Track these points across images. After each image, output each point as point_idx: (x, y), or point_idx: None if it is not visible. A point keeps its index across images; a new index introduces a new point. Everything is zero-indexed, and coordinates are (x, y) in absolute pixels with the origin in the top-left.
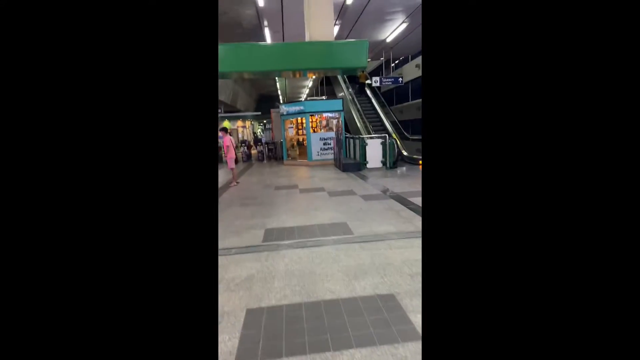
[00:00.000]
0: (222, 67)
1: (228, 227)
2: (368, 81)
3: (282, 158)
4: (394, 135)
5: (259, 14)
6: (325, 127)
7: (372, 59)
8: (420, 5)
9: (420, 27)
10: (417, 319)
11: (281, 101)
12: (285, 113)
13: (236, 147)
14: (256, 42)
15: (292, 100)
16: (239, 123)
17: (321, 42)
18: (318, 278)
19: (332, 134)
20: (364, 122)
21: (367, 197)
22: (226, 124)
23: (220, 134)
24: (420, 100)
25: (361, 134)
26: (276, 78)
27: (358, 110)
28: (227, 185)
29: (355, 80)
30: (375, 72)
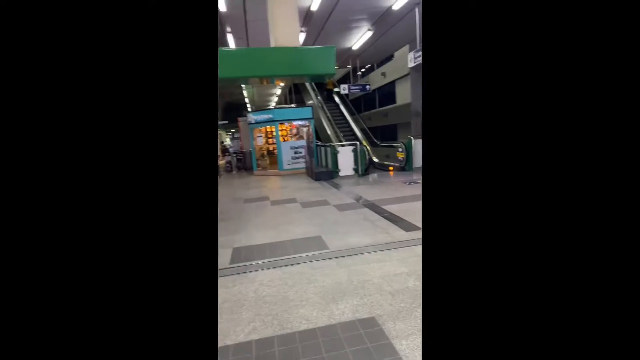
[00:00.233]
0: None
1: None
2: (336, 89)
3: (252, 168)
4: (364, 142)
5: (220, 19)
6: (295, 135)
7: (339, 67)
8: (383, 15)
9: (384, 37)
10: (402, 346)
11: (249, 109)
12: (253, 121)
13: None
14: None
15: (260, 108)
16: None
17: (288, 47)
18: (292, 304)
19: (303, 142)
20: (334, 130)
21: (341, 207)
22: None
23: None
24: (386, 107)
25: (332, 142)
26: (243, 86)
27: (328, 118)
28: None
29: (322, 87)
30: (343, 80)
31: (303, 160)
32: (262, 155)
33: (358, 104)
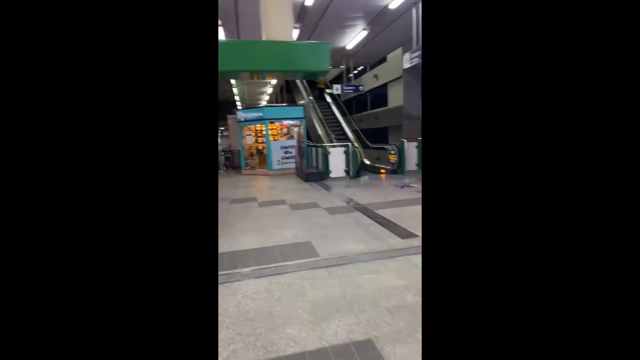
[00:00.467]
0: None
1: None
2: (329, 90)
3: (240, 167)
4: (356, 144)
5: None
6: (286, 135)
7: (332, 66)
8: (379, 14)
9: (378, 37)
10: None
11: (239, 107)
12: (243, 119)
13: None
14: None
15: (251, 106)
16: None
17: (281, 41)
18: (278, 321)
19: (294, 142)
20: (325, 130)
21: (332, 210)
22: None
23: None
24: (377, 110)
25: (323, 142)
26: (233, 82)
27: (319, 118)
28: None
29: (314, 86)
30: (335, 80)
31: (293, 160)
32: (251, 155)
33: (350, 105)
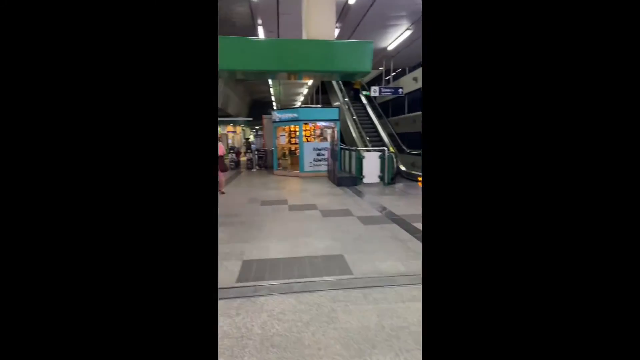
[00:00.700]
0: None
1: None
2: (366, 92)
3: (273, 167)
4: (391, 149)
5: (252, 11)
6: (319, 136)
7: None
8: None
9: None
10: None
11: (275, 108)
12: (277, 120)
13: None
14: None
15: (286, 107)
16: (229, 128)
17: (321, 40)
18: (307, 352)
19: (327, 144)
20: (360, 133)
21: (365, 220)
22: None
23: None
24: (416, 113)
25: (357, 145)
26: (270, 82)
27: (354, 120)
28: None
29: (350, 86)
30: (372, 82)
31: (325, 163)
32: (284, 155)
33: (386, 108)
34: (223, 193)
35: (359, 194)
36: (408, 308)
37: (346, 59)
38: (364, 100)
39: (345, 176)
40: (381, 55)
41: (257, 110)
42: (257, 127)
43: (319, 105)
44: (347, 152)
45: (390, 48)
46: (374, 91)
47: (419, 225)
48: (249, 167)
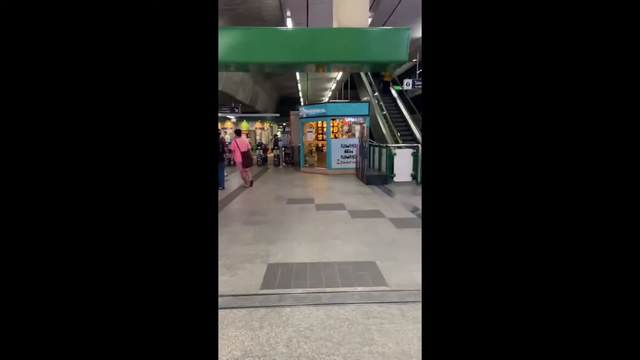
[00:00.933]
0: (227, 56)
1: (221, 257)
2: (397, 87)
3: (299, 164)
4: None
5: (281, 3)
6: (347, 132)
7: None
8: None
9: None
10: None
11: (302, 103)
12: (304, 116)
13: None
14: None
15: (313, 102)
16: (257, 124)
17: (353, 28)
18: None
19: (355, 141)
20: (390, 129)
21: (398, 223)
22: (244, 125)
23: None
24: None
25: (386, 142)
26: (297, 78)
27: (384, 116)
28: (241, 187)
29: (379, 78)
30: (403, 75)
31: (353, 160)
32: (311, 152)
33: (417, 103)
34: (250, 185)
35: (390, 193)
36: None
37: (380, 47)
38: (394, 94)
39: (375, 174)
40: (415, 46)
41: (285, 106)
42: (284, 124)
43: (347, 101)
44: (376, 148)
45: None
46: (407, 84)
47: None
48: (276, 164)
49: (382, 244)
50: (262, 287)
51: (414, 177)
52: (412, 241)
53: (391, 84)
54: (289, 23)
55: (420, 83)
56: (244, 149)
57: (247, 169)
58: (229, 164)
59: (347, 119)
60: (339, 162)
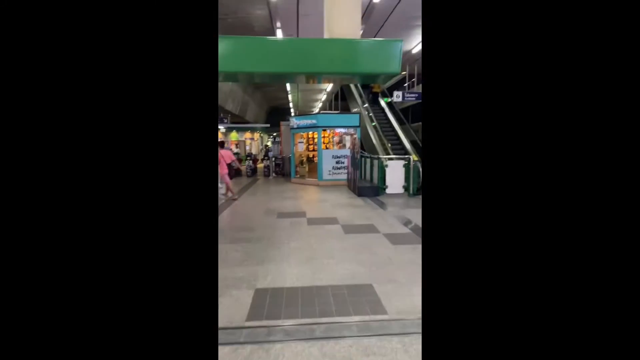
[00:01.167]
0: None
1: None
2: (386, 99)
3: (290, 175)
4: (414, 157)
5: (271, 13)
6: (338, 143)
7: None
8: None
9: None
10: None
11: (292, 114)
12: (295, 126)
13: (240, 161)
14: (264, 36)
15: (304, 113)
16: (247, 135)
17: (345, 39)
18: None
19: (346, 152)
20: (381, 140)
21: (394, 239)
22: (233, 135)
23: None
24: None
25: (377, 153)
26: (288, 89)
27: (375, 127)
28: (227, 199)
29: (368, 89)
30: (392, 88)
31: (344, 171)
32: (302, 162)
33: (405, 114)
34: (235, 199)
35: (382, 205)
36: None
37: (372, 59)
38: (383, 103)
39: (367, 186)
40: (405, 58)
41: (275, 117)
42: (274, 134)
43: (338, 112)
44: (367, 160)
45: (414, 51)
46: (397, 96)
47: None
48: (266, 175)
49: (379, 263)
50: (249, 319)
51: (406, 188)
52: (410, 260)
53: (380, 95)
54: (279, 34)
55: (410, 95)
56: (229, 160)
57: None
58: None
59: (338, 130)
60: (331, 173)
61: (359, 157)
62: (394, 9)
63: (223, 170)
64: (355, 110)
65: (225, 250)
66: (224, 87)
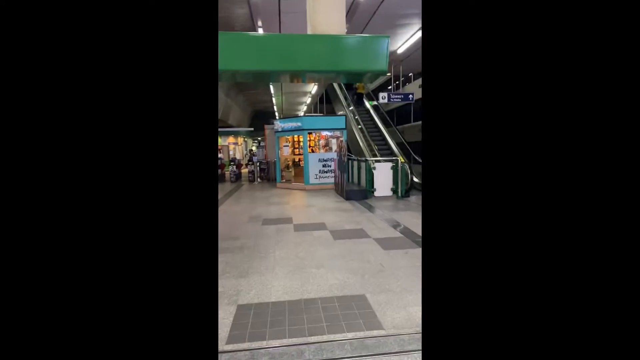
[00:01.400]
0: None
1: None
2: (372, 102)
3: (275, 180)
4: (401, 159)
5: (252, 12)
6: (324, 147)
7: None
8: None
9: None
10: None
11: (277, 117)
12: (280, 129)
13: (223, 166)
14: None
15: (288, 116)
16: (230, 139)
17: (329, 35)
18: None
19: (333, 155)
20: (367, 143)
21: (385, 243)
22: None
23: None
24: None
25: (364, 156)
26: (272, 91)
27: (361, 130)
28: None
29: (352, 90)
30: (377, 89)
31: (331, 175)
32: (287, 167)
33: (390, 116)
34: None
35: (371, 209)
36: None
37: (359, 56)
38: (368, 105)
39: (355, 189)
40: (390, 59)
41: (259, 120)
42: (259, 138)
43: (323, 114)
44: (355, 162)
45: (400, 51)
46: (383, 98)
47: None
48: (251, 180)
49: (370, 270)
50: (230, 341)
51: (394, 190)
52: (402, 265)
53: (365, 97)
54: (260, 32)
55: (396, 97)
56: None
57: None
58: None
59: (324, 133)
60: (317, 177)
61: (346, 160)
62: (378, 7)
63: None
64: (340, 113)
65: None
66: None
